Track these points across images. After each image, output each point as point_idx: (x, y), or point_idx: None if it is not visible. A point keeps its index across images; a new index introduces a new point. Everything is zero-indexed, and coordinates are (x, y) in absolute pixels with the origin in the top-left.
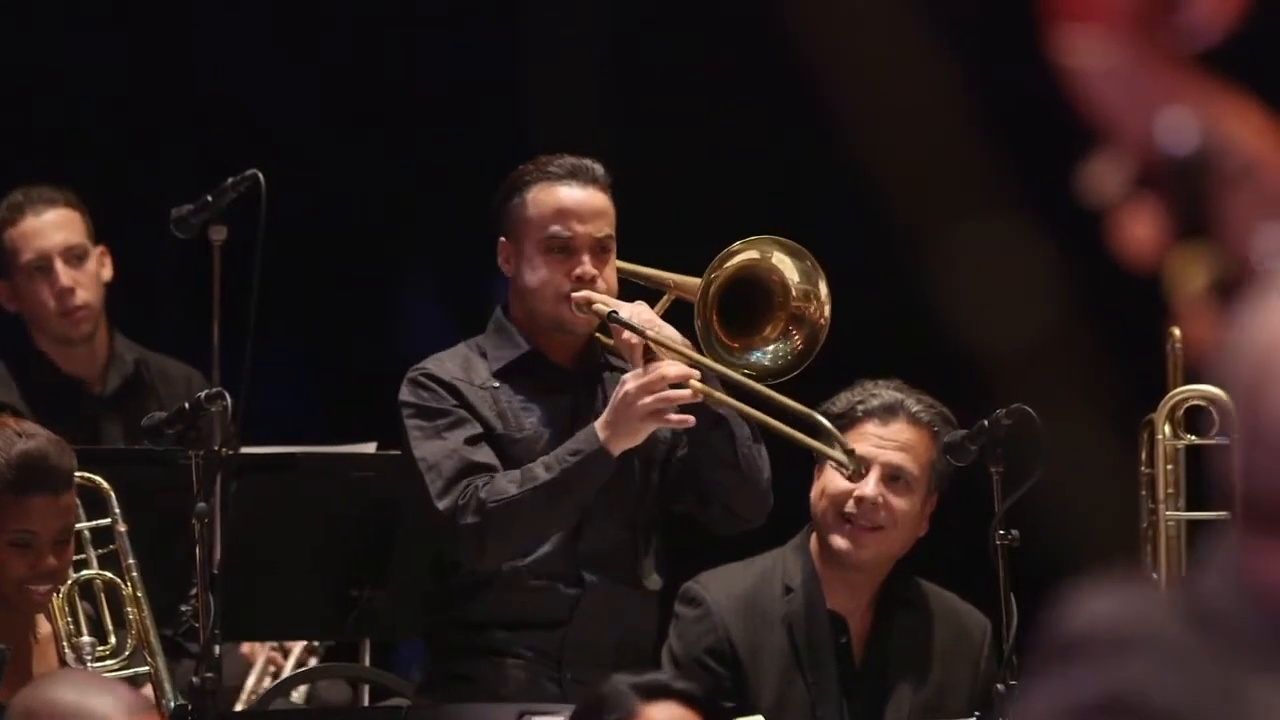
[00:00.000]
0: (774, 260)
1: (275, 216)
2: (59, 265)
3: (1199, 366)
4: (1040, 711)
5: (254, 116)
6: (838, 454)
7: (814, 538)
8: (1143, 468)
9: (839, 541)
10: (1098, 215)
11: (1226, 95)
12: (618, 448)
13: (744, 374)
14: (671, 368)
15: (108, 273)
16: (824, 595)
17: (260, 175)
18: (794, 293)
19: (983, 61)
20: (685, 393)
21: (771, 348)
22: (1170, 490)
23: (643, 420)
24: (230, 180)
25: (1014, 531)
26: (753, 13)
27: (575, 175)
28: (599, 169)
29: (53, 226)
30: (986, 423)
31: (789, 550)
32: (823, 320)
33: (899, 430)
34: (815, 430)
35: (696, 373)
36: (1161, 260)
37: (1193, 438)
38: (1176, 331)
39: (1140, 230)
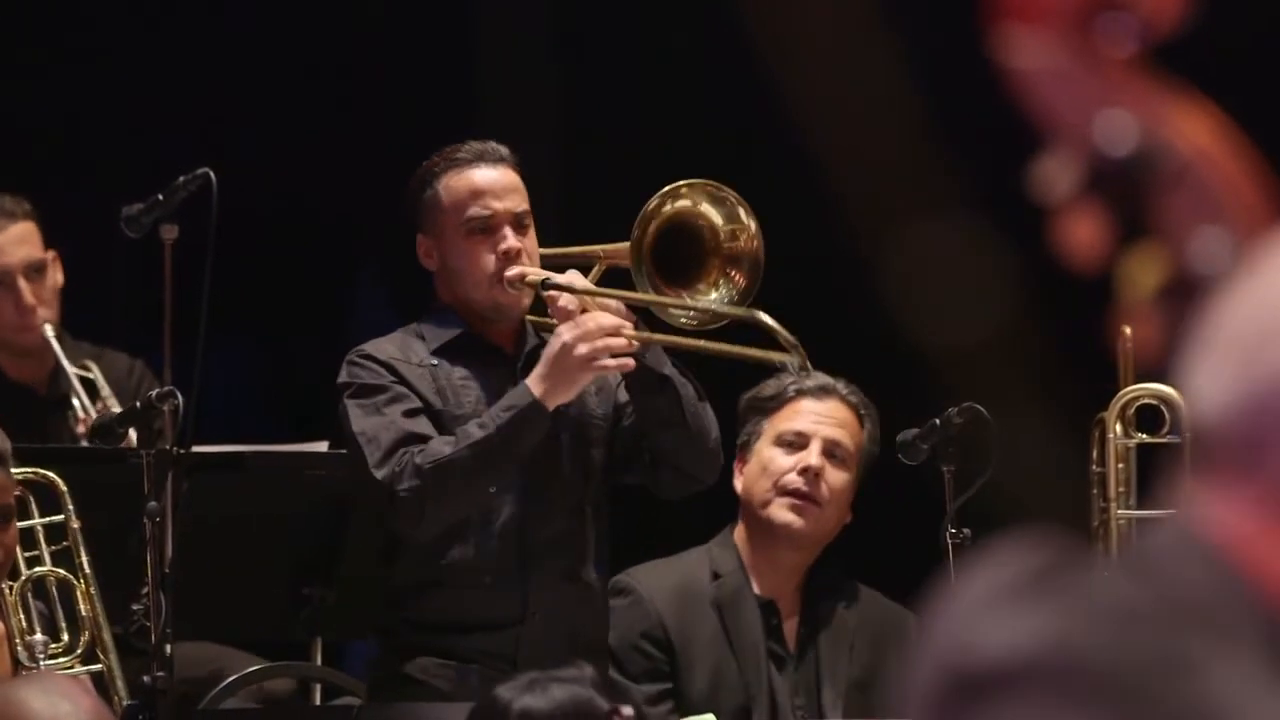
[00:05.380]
0: (700, 208)
1: (226, 215)
2: (21, 282)
3: (1147, 366)
4: (939, 675)
5: (205, 114)
6: (782, 355)
7: (738, 531)
8: (1094, 466)
9: (783, 514)
10: (1047, 214)
11: (1170, 95)
12: (553, 401)
13: (681, 305)
14: (606, 317)
15: (60, 278)
16: (753, 583)
17: (211, 173)
18: (722, 235)
19: (936, 58)
20: (620, 341)
21: (714, 295)
22: (1121, 489)
23: (580, 369)
24: (181, 179)
25: (966, 530)
26: (707, 6)
27: (483, 157)
28: (504, 149)
29: (14, 242)
30: (938, 421)
31: (714, 545)
32: (755, 242)
33: (835, 408)
34: (759, 337)
35: (629, 322)
36: (1104, 262)
37: (1144, 436)
38: (1128, 330)
39: (1083, 232)
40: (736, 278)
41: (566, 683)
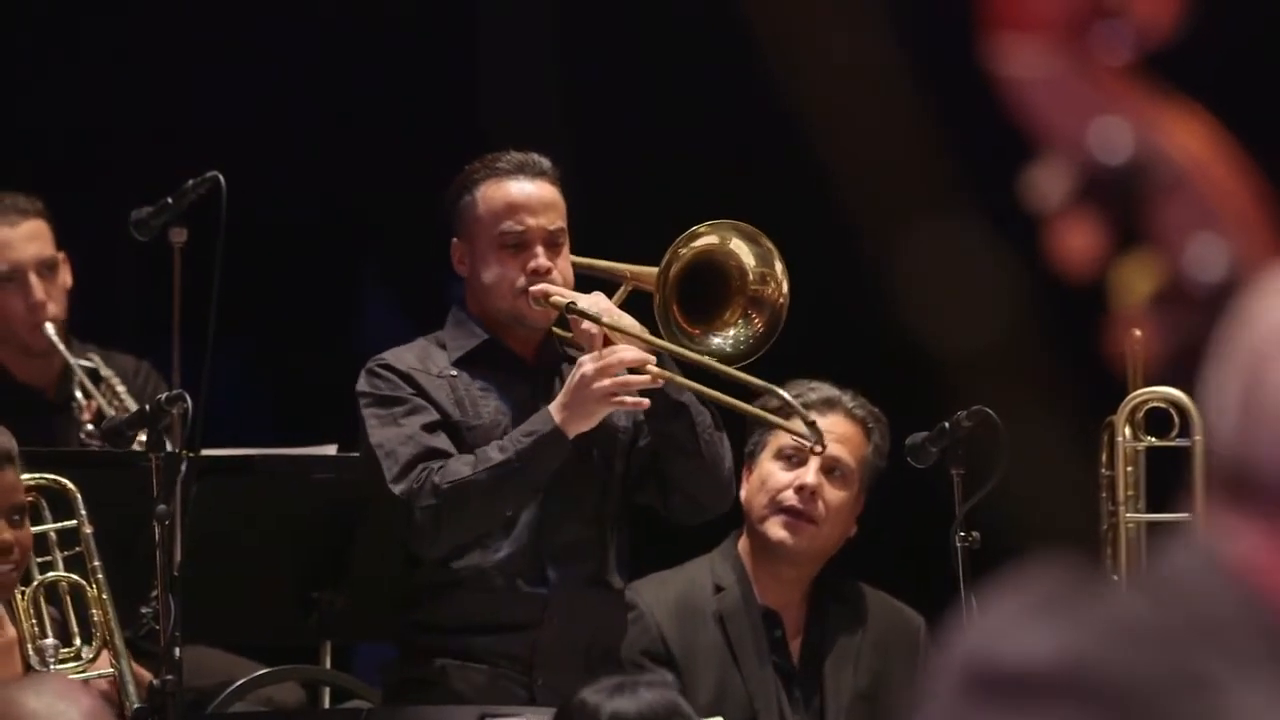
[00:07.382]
0: (731, 245)
1: (235, 218)
2: (33, 279)
3: (1148, 372)
4: (959, 681)
5: (214, 118)
6: (799, 426)
7: (742, 540)
8: (1103, 469)
9: (777, 531)
10: (1042, 222)
11: (1164, 103)
12: (573, 430)
13: (702, 355)
14: (629, 351)
15: (69, 280)
16: (756, 593)
17: (220, 177)
18: (751, 276)
19: (942, 60)
20: (643, 378)
21: (732, 332)
22: (1130, 492)
23: (598, 402)
24: (190, 182)
25: (975, 533)
26: (712, 11)
27: (523, 170)
28: (546, 162)
29: (26, 238)
30: (947, 425)
31: (717, 555)
32: (781, 299)
33: (836, 423)
34: (774, 404)
35: (653, 357)
36: (1099, 269)
37: (1153, 440)
38: (1138, 332)
39: (1078, 239)
40: (756, 321)
41: (655, 686)
